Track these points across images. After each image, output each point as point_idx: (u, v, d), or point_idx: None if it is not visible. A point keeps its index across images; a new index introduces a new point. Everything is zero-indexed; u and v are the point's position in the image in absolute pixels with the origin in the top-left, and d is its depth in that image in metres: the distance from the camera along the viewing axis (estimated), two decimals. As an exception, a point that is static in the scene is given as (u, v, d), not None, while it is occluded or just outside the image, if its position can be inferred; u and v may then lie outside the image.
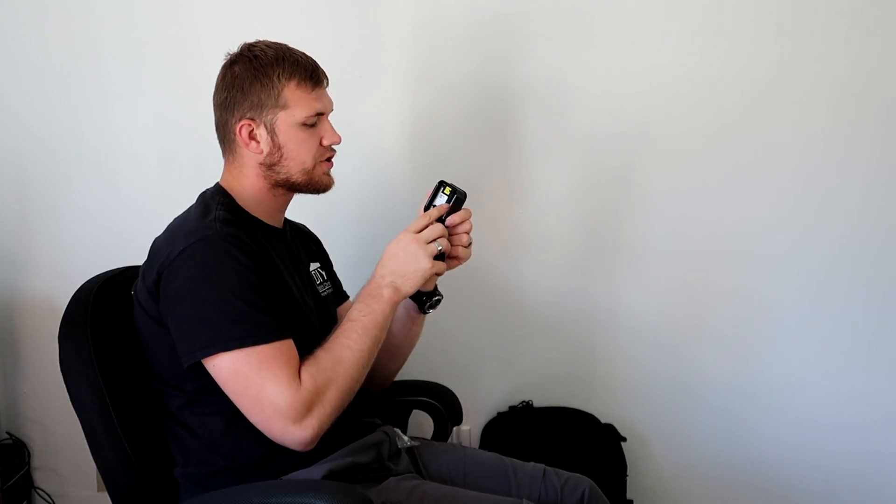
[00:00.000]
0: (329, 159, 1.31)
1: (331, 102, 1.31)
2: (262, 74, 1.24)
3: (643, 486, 1.94)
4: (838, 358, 1.88)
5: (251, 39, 1.29)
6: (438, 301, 1.38)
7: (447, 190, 1.31)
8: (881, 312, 1.86)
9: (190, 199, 1.31)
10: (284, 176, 1.27)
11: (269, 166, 1.27)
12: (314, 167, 1.28)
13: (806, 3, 1.78)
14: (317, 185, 1.30)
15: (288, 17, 1.85)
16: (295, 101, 1.24)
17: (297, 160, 1.27)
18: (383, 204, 1.89)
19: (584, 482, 1.35)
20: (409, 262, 1.24)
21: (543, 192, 1.89)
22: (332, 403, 1.14)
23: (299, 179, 1.28)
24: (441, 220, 1.30)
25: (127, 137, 1.92)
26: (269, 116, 1.24)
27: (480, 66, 1.85)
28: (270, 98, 1.24)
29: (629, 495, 1.88)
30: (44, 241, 1.97)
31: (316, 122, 1.27)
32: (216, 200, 1.26)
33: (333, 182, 1.33)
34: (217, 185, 1.32)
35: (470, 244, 1.32)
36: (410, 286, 1.25)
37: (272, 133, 1.25)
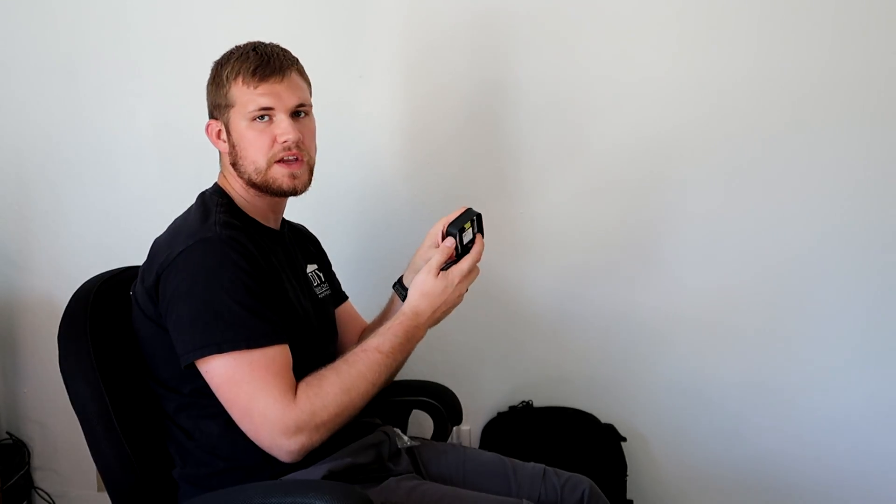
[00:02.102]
0: (286, 161, 1.24)
1: (291, 97, 1.24)
2: (216, 75, 1.26)
3: (643, 486, 1.94)
4: (840, 358, 1.88)
5: (251, 39, 1.29)
6: None
7: (468, 225, 1.27)
8: (884, 313, 1.86)
9: (190, 199, 1.31)
10: (246, 176, 1.26)
11: (234, 165, 1.27)
12: (268, 168, 1.24)
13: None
14: (271, 186, 1.25)
15: (287, 17, 1.85)
16: (239, 98, 1.24)
17: (250, 159, 1.25)
18: (381, 204, 1.89)
19: (584, 482, 1.35)
20: (451, 302, 1.26)
21: (544, 192, 1.88)
22: (326, 426, 1.14)
23: (256, 180, 1.25)
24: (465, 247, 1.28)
25: (127, 137, 1.92)
26: (225, 115, 1.26)
27: (480, 65, 1.85)
28: (221, 97, 1.25)
29: (629, 495, 1.87)
30: (44, 241, 1.97)
31: (266, 117, 1.23)
32: (215, 202, 1.26)
33: (298, 185, 1.26)
34: (215, 184, 1.32)
35: None
36: (441, 319, 1.27)
37: (228, 132, 1.26)
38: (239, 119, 1.24)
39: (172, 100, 1.88)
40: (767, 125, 1.82)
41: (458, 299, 1.27)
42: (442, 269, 1.25)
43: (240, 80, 1.23)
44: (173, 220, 1.29)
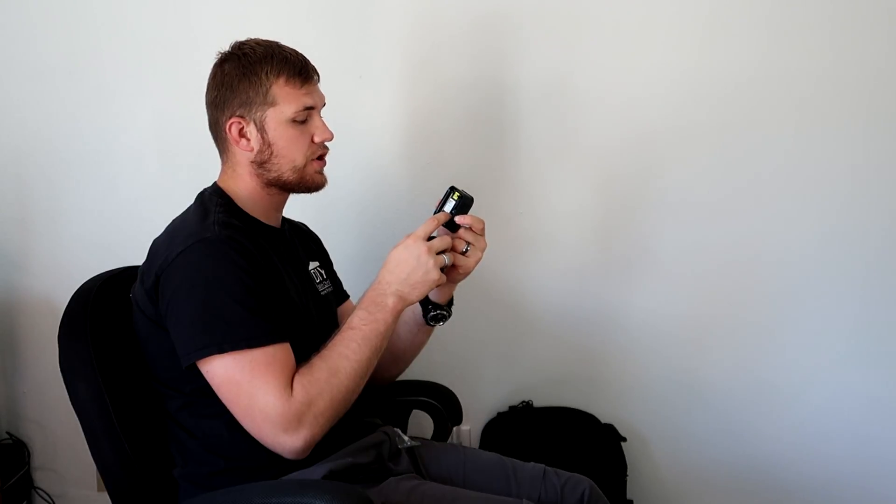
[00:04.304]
0: (321, 157, 1.30)
1: (322, 98, 1.30)
2: (250, 72, 1.24)
3: (643, 486, 1.94)
4: (840, 358, 1.88)
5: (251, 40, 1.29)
6: (444, 317, 1.36)
7: (456, 195, 1.29)
8: (884, 312, 1.86)
9: (190, 199, 1.31)
10: (276, 174, 1.27)
11: (259, 164, 1.27)
12: (305, 165, 1.27)
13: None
14: (308, 183, 1.29)
15: (287, 17, 1.85)
16: (283, 98, 1.24)
17: (288, 158, 1.26)
18: (382, 204, 1.89)
19: (584, 482, 1.35)
20: (419, 271, 1.22)
21: (544, 192, 1.89)
22: (325, 415, 1.13)
23: (290, 178, 1.27)
24: (448, 225, 1.28)
25: (127, 137, 1.92)
26: (258, 114, 1.24)
27: (480, 65, 1.85)
28: (259, 95, 1.24)
29: (629, 495, 1.87)
30: (44, 241, 1.97)
31: (306, 118, 1.26)
32: (214, 202, 1.26)
33: (326, 181, 1.32)
34: (214, 184, 1.32)
35: (467, 252, 1.29)
36: (416, 296, 1.23)
37: (262, 130, 1.25)
38: (279, 118, 1.24)
39: (172, 100, 1.88)
40: (763, 125, 1.82)
41: (427, 272, 1.21)
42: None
43: (282, 80, 1.24)
44: (172, 220, 1.29)
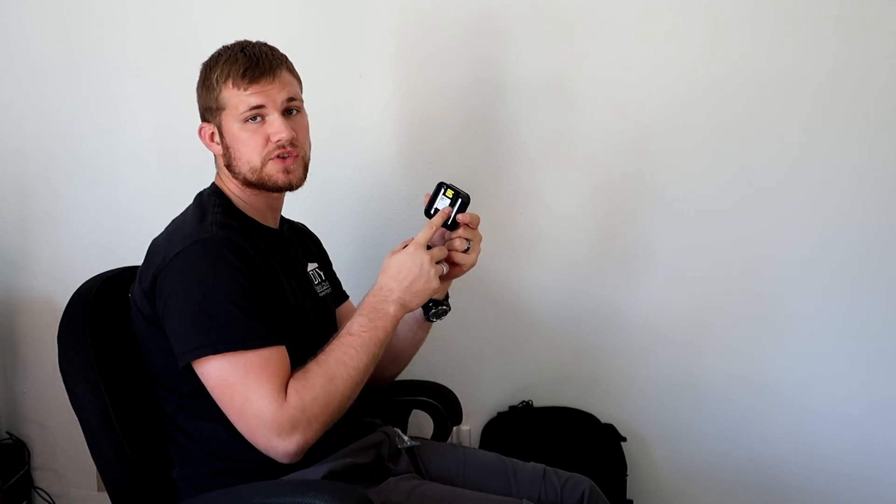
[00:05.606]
0: (281, 157, 1.24)
1: (283, 94, 1.24)
2: (206, 78, 1.27)
3: (643, 486, 1.94)
4: (840, 359, 1.88)
5: (248, 40, 1.30)
6: (445, 312, 1.37)
7: (449, 193, 1.29)
8: (885, 313, 1.85)
9: (189, 199, 1.31)
10: (241, 176, 1.26)
11: (227, 167, 1.28)
12: (263, 166, 1.24)
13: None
14: (267, 183, 1.25)
15: (287, 17, 1.85)
16: (230, 100, 1.24)
17: (244, 160, 1.25)
18: (382, 204, 1.89)
19: (584, 482, 1.35)
20: (421, 280, 1.22)
21: (544, 192, 1.88)
22: (318, 420, 1.13)
23: (251, 179, 1.26)
24: (445, 224, 1.28)
25: (127, 137, 1.92)
26: (217, 118, 1.26)
27: (480, 65, 1.85)
28: (212, 100, 1.26)
29: (629, 495, 1.87)
30: (44, 241, 1.97)
31: (258, 116, 1.23)
32: (212, 203, 1.26)
33: (295, 180, 1.27)
34: (213, 185, 1.32)
35: (468, 249, 1.30)
36: (417, 303, 1.24)
37: (221, 134, 1.26)
38: (231, 121, 1.24)
39: (172, 100, 1.87)
40: (763, 125, 1.82)
41: (429, 281, 1.22)
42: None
43: (230, 82, 1.23)
44: (171, 220, 1.29)
